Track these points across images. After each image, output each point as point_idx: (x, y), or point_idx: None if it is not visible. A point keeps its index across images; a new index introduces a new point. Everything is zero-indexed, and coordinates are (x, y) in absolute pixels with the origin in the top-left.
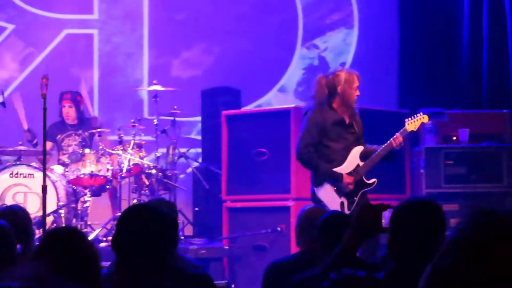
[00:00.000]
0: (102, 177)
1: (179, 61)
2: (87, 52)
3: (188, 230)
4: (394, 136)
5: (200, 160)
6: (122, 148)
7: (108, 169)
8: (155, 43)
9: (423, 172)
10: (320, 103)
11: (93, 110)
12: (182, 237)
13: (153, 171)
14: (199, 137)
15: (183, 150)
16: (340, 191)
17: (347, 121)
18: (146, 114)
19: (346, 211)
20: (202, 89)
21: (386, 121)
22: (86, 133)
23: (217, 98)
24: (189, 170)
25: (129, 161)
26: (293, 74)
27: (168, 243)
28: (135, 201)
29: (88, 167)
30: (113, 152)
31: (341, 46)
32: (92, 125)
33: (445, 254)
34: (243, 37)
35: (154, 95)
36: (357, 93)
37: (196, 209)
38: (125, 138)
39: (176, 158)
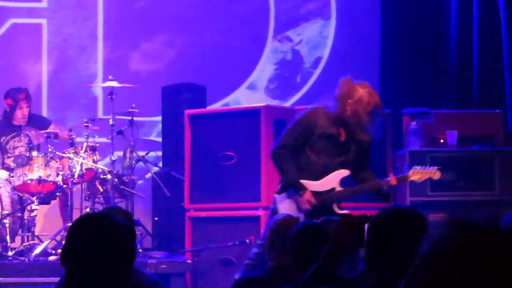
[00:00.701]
0: (51, 183)
1: (137, 54)
2: (35, 44)
3: (147, 242)
4: (389, 179)
5: (160, 164)
6: (73, 151)
7: (58, 174)
8: (111, 34)
9: None
10: (334, 107)
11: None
12: (140, 250)
13: (108, 177)
14: (160, 139)
15: (141, 153)
16: (299, 206)
17: (342, 138)
18: (100, 113)
19: None
20: (163, 86)
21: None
22: (42, 136)
23: (180, 95)
24: (148, 175)
25: (81, 165)
26: (264, 69)
27: (124, 256)
28: (88, 209)
29: (36, 172)
30: (64, 155)
31: (317, 38)
32: (46, 125)
33: (420, 268)
34: (208, 28)
35: (110, 92)
36: (368, 117)
37: (156, 219)
38: (77, 139)
39: (133, 162)
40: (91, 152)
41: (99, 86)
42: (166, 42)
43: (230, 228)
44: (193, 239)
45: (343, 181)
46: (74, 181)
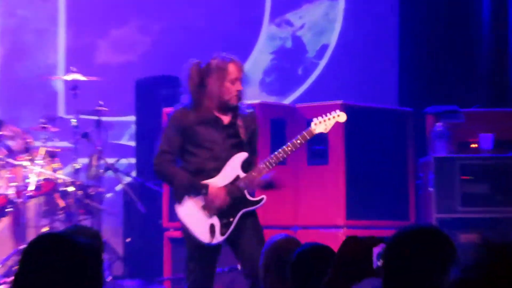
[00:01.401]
0: (1, 196)
1: (106, 42)
2: None
3: (118, 269)
4: (297, 137)
5: (134, 174)
6: (29, 157)
7: (9, 186)
8: (75, 18)
9: (432, 191)
10: (190, 99)
11: None
12: (109, 278)
13: (71, 189)
14: (133, 143)
15: (111, 160)
16: (208, 209)
17: (224, 121)
18: (61, 112)
19: (219, 237)
20: (137, 79)
21: (382, 122)
22: None
23: (157, 90)
24: (119, 187)
25: (38, 175)
26: (259, 59)
27: (89, 286)
28: (45, 228)
29: None
30: (17, 162)
31: (322, 23)
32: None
33: None
34: (192, 11)
35: (73, 86)
36: (237, 87)
37: (128, 240)
38: (33, 144)
39: (101, 171)
40: (50, 158)
41: (60, 79)
42: (140, 27)
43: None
44: (173, 264)
45: (245, 165)
46: (28, 194)
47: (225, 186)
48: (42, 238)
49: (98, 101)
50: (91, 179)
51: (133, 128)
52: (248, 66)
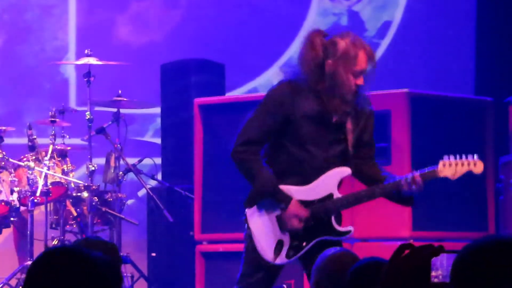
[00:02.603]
0: (2, 203)
1: (125, 18)
2: None
3: (141, 287)
4: (412, 175)
5: (159, 176)
6: (34, 157)
7: (12, 191)
8: None
9: None
10: (302, 77)
11: None
12: None
13: (85, 195)
14: (158, 140)
15: (132, 160)
16: (282, 223)
17: (333, 119)
18: (73, 103)
19: (283, 258)
20: (163, 64)
21: (456, 114)
22: None
23: (187, 77)
24: (141, 192)
25: (45, 178)
26: None
27: None
28: (55, 241)
29: None
30: (21, 163)
31: None
32: None
33: None
34: None
35: (87, 72)
36: (359, 81)
37: (153, 254)
38: (40, 141)
39: (121, 173)
40: (59, 159)
41: (71, 64)
42: (166, 0)
43: None
44: (206, 283)
45: (341, 184)
46: (35, 200)
47: (311, 202)
48: (50, 253)
49: (117, 90)
50: (108, 183)
51: (158, 122)
52: (294, 48)
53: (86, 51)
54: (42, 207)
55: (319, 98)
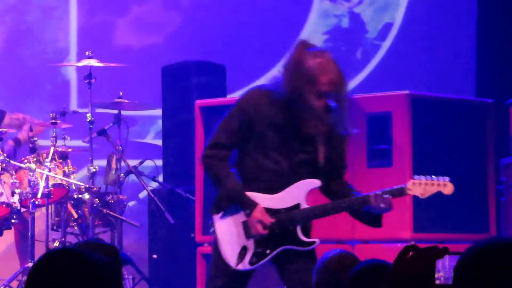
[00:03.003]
0: (3, 205)
1: (126, 21)
2: None
3: None
4: (379, 193)
5: (160, 178)
6: (35, 159)
7: (13, 193)
8: None
9: None
10: (281, 85)
11: None
12: None
13: (86, 196)
14: (159, 142)
15: (133, 162)
16: (247, 230)
17: (302, 131)
18: (74, 105)
19: (246, 265)
20: (164, 66)
21: (457, 116)
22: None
23: (188, 79)
24: (143, 194)
25: (47, 180)
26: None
27: None
28: (56, 243)
29: None
30: (22, 165)
31: None
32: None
33: None
34: None
35: (88, 74)
36: (322, 102)
37: (154, 256)
38: (41, 143)
39: (122, 175)
40: (60, 161)
41: (72, 66)
42: (167, 3)
43: (263, 271)
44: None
45: (310, 195)
46: (36, 202)
47: (277, 210)
48: (52, 255)
49: (118, 92)
50: (110, 185)
51: (159, 124)
52: None
53: (87, 53)
54: (43, 209)
55: (289, 108)
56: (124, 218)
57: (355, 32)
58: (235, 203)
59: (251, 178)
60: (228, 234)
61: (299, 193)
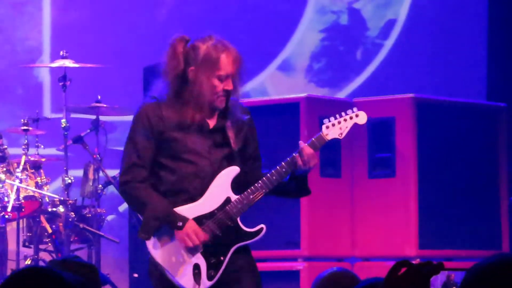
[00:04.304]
0: None
1: (104, 17)
2: None
3: None
4: (300, 147)
5: None
6: (5, 169)
7: None
8: None
9: None
10: (168, 90)
11: None
12: None
13: (61, 210)
14: None
15: (112, 172)
16: (186, 246)
17: (210, 125)
18: (47, 110)
19: (206, 282)
20: (146, 66)
21: (467, 121)
22: None
23: None
24: (123, 207)
25: (18, 192)
26: (305, 40)
27: None
28: (28, 261)
29: None
30: None
31: None
32: None
33: None
34: None
35: (62, 76)
36: (226, 86)
37: (135, 275)
38: (11, 151)
39: (100, 186)
40: (33, 171)
41: (45, 67)
42: None
43: None
44: None
45: (237, 184)
46: (6, 216)
47: (211, 214)
48: (23, 274)
49: (95, 96)
50: (86, 197)
51: None
52: (290, 49)
53: (61, 53)
54: (14, 224)
55: (188, 107)
56: (103, 234)
57: (355, 29)
58: (164, 223)
59: (173, 190)
60: (172, 257)
61: (223, 187)
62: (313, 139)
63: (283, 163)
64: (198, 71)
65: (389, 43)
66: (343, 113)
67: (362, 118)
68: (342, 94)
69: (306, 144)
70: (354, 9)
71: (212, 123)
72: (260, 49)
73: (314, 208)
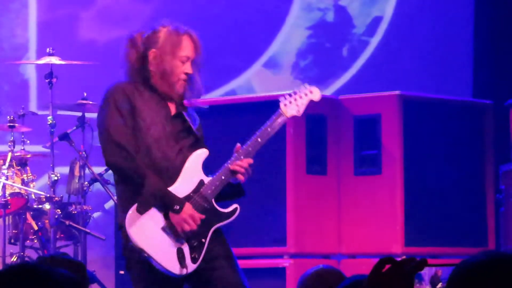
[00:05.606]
0: None
1: (91, 14)
2: None
3: None
4: (264, 126)
5: None
6: None
7: None
8: None
9: None
10: (132, 77)
11: None
12: None
13: (47, 207)
14: None
15: (98, 169)
16: (173, 229)
17: (172, 112)
18: (33, 107)
19: (191, 265)
20: None
21: (453, 118)
22: None
23: None
24: (109, 204)
25: (3, 188)
26: (291, 37)
27: None
28: (14, 258)
29: None
30: None
31: None
32: None
33: None
34: None
35: (48, 73)
36: (187, 69)
37: (121, 272)
38: None
39: (86, 183)
40: (19, 167)
41: (31, 64)
42: None
43: None
44: None
45: (205, 167)
46: None
47: (189, 197)
48: (9, 271)
49: (82, 93)
50: (73, 194)
51: None
52: (276, 46)
53: (47, 50)
54: (0, 221)
55: (153, 94)
56: (89, 231)
57: (341, 27)
58: (159, 202)
59: (158, 170)
60: (155, 241)
61: (195, 170)
62: (274, 117)
63: (258, 134)
64: (160, 52)
65: (375, 40)
66: (297, 91)
67: (315, 94)
68: (328, 91)
69: (269, 124)
70: (341, 6)
71: (172, 110)
72: (246, 46)
73: (300, 205)
